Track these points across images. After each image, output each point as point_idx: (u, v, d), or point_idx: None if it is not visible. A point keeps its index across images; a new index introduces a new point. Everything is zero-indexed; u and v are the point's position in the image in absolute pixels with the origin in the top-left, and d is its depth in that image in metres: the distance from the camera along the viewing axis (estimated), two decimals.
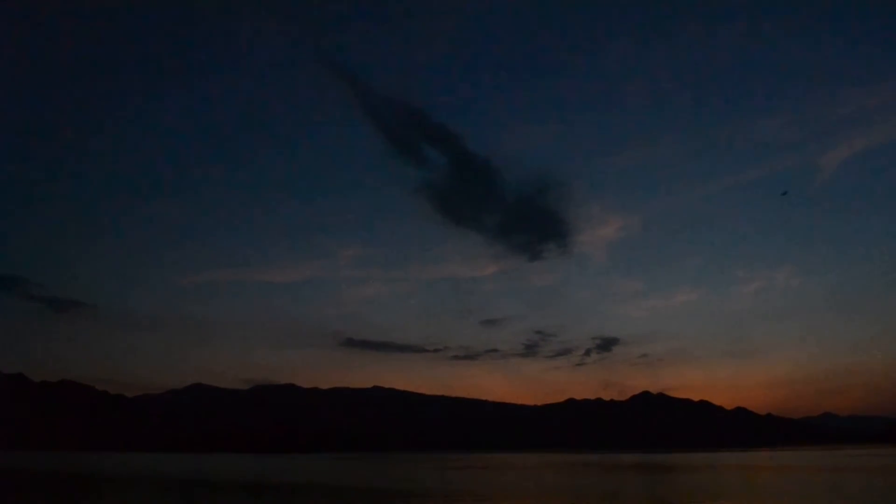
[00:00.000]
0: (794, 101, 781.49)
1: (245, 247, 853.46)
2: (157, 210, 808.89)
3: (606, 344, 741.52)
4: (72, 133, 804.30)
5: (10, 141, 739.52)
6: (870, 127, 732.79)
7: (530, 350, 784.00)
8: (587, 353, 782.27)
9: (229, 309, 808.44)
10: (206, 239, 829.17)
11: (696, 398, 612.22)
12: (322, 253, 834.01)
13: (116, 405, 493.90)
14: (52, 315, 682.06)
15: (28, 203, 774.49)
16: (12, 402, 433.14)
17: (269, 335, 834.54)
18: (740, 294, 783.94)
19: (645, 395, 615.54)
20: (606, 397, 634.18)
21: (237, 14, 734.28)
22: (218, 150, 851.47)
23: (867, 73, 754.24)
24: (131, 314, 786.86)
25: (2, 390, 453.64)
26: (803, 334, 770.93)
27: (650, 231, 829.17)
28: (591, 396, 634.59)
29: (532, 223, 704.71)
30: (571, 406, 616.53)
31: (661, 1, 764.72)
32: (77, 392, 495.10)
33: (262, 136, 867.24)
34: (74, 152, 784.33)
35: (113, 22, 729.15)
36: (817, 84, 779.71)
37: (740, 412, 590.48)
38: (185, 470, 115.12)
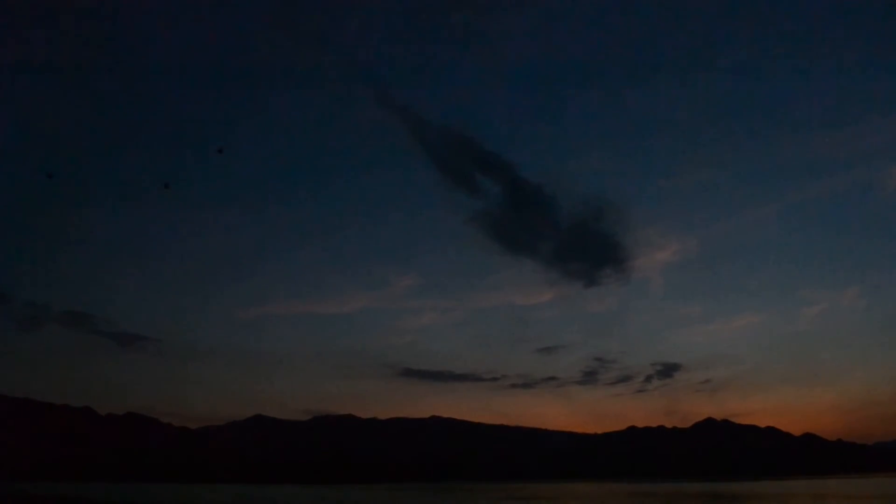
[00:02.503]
0: (854, 117, 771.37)
1: (301, 279, 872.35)
2: (216, 244, 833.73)
3: (667, 370, 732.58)
4: (134, 171, 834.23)
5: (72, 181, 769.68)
6: None
7: (589, 377, 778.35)
8: (648, 379, 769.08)
9: (288, 341, 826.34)
10: (264, 272, 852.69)
11: (762, 424, 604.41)
12: (378, 283, 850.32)
13: (180, 437, 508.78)
14: (118, 349, 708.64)
15: (94, 243, 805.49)
16: (81, 435, 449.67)
17: (328, 366, 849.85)
18: (804, 316, 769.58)
19: (709, 422, 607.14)
20: (669, 424, 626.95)
21: (295, 48, 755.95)
22: (274, 182, 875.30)
23: None
24: (193, 347, 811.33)
25: (70, 423, 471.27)
26: (872, 356, 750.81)
27: (709, 254, 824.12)
28: (653, 424, 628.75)
29: (587, 249, 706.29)
30: (633, 434, 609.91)
31: (712, 23, 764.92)
32: (142, 424, 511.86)
33: (318, 168, 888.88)
34: (135, 189, 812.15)
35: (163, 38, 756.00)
36: (877, 99, 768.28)
37: (809, 438, 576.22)
38: (252, 499, 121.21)
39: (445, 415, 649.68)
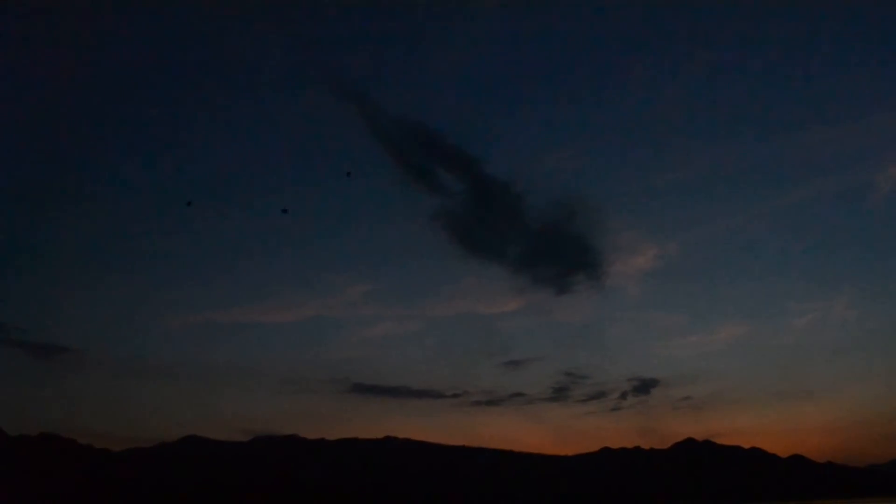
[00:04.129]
0: (846, 115, 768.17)
1: (241, 284, 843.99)
2: (149, 247, 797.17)
3: (644, 386, 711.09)
4: (55, 169, 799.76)
5: None
6: None
7: (560, 394, 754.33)
8: (623, 396, 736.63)
9: (226, 352, 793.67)
10: (200, 277, 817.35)
11: (746, 445, 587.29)
12: (328, 289, 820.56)
13: (102, 460, 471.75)
14: (31, 361, 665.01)
15: (8, 242, 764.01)
16: None
17: (270, 381, 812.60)
18: (792, 327, 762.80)
19: (689, 443, 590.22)
20: (646, 445, 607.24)
21: (237, 34, 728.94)
22: (214, 178, 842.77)
23: None
24: (118, 360, 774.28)
25: None
26: (864, 371, 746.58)
27: (690, 260, 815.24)
28: (629, 444, 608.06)
29: (559, 253, 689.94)
30: (607, 455, 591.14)
31: (695, 18, 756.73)
32: (58, 445, 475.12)
33: (262, 163, 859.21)
34: (58, 188, 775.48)
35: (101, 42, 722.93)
36: (867, 99, 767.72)
37: (796, 460, 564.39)
38: None
39: (401, 435, 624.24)
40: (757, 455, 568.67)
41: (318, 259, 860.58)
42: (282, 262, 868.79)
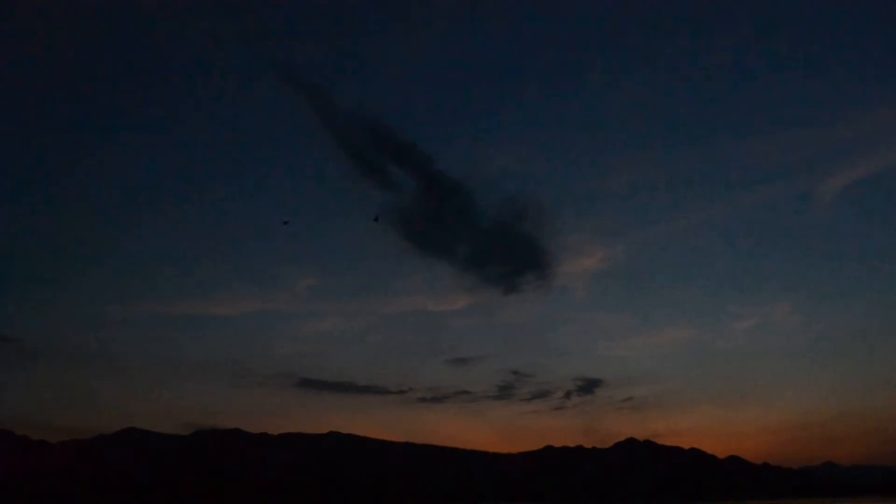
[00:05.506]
0: (791, 124, 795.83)
1: (184, 275, 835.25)
2: (87, 232, 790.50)
3: (588, 386, 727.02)
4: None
5: None
6: (872, 152, 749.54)
7: (505, 392, 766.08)
8: (567, 395, 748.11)
9: (167, 344, 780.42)
10: (143, 265, 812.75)
11: (685, 446, 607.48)
12: (274, 282, 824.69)
13: (38, 452, 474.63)
14: None
15: None
16: None
17: (213, 374, 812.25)
18: (734, 332, 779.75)
19: (630, 443, 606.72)
20: (588, 444, 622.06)
21: (188, 22, 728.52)
22: (160, 170, 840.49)
23: (868, 96, 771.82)
24: (56, 349, 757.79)
25: None
26: (803, 376, 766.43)
27: (636, 263, 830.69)
28: (571, 444, 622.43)
29: (508, 252, 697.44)
30: (549, 454, 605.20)
31: (651, 19, 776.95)
32: None
33: (208, 150, 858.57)
34: None
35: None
36: (815, 107, 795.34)
37: (734, 461, 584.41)
38: None
39: (346, 430, 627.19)
40: (696, 455, 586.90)
41: (266, 252, 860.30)
42: (229, 255, 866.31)
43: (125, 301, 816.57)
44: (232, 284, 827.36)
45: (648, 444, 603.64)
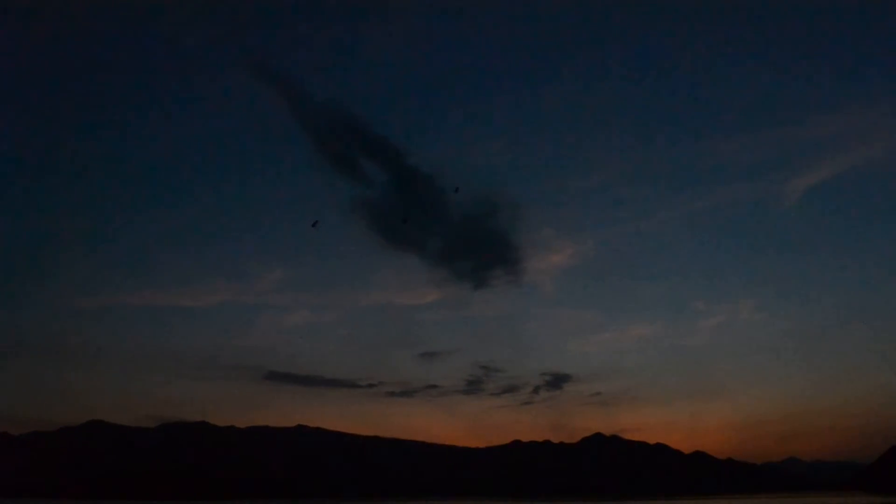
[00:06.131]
0: (759, 125, 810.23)
1: (152, 265, 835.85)
2: (55, 226, 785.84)
3: (557, 381, 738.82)
4: None
5: None
6: (838, 153, 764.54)
7: (473, 387, 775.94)
8: (536, 390, 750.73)
9: (134, 336, 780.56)
10: (109, 256, 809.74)
11: (651, 441, 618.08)
12: (242, 274, 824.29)
13: (2, 444, 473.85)
14: None
15: None
16: None
17: (180, 366, 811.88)
18: (700, 329, 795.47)
19: (597, 437, 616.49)
20: (555, 439, 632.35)
21: (156, 12, 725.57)
22: (127, 160, 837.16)
23: (834, 98, 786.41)
24: (20, 340, 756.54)
25: None
26: (767, 373, 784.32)
27: (605, 259, 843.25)
28: (539, 438, 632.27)
29: (479, 248, 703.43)
30: (517, 448, 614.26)
31: (620, 19, 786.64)
32: None
33: (179, 144, 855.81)
34: None
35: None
36: (783, 108, 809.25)
37: (699, 456, 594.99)
38: None
39: (313, 424, 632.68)
40: (662, 451, 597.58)
41: (235, 244, 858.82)
42: (198, 247, 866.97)
43: (92, 294, 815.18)
44: (201, 277, 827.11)
45: (615, 440, 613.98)
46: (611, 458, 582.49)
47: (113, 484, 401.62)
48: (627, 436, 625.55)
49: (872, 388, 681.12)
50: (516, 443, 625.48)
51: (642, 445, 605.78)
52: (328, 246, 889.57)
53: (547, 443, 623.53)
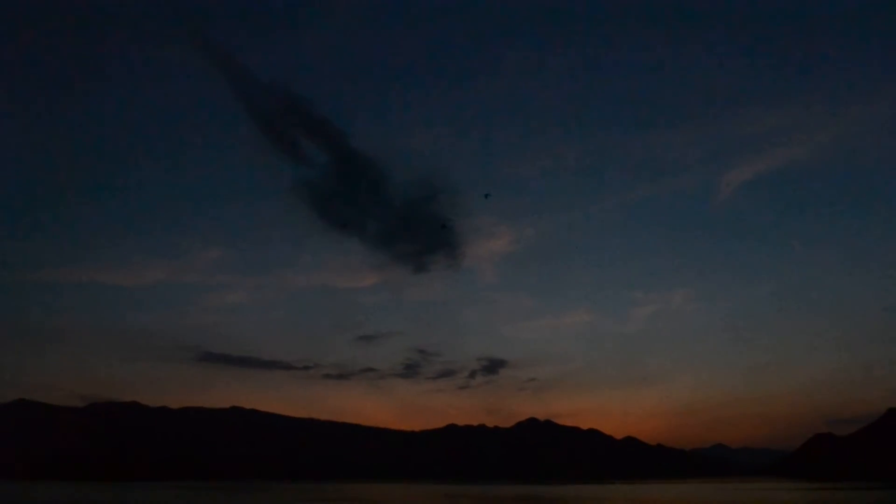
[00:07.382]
0: (696, 119, 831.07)
1: (84, 241, 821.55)
2: None
3: (493, 366, 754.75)
4: None
5: None
6: (772, 148, 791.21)
7: (410, 370, 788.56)
8: (472, 375, 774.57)
9: (63, 313, 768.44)
10: (39, 230, 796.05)
11: (584, 426, 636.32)
12: (178, 253, 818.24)
13: None
14: None
15: None
16: None
17: (111, 345, 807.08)
18: (634, 317, 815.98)
19: (531, 422, 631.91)
20: (490, 423, 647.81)
21: None
22: (65, 132, 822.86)
23: (770, 92, 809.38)
24: None
25: None
26: (697, 362, 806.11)
27: (543, 246, 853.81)
28: (474, 422, 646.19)
29: (419, 232, 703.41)
30: (452, 432, 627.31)
31: (564, 10, 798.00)
32: None
33: (117, 119, 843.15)
34: None
35: None
36: (720, 102, 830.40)
37: (630, 442, 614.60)
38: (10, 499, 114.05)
39: (248, 405, 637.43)
40: (594, 436, 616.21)
41: (172, 222, 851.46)
42: (133, 224, 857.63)
43: (20, 267, 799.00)
44: (136, 254, 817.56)
45: (549, 424, 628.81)
46: (544, 442, 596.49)
47: (39, 464, 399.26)
48: (561, 421, 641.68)
49: (800, 378, 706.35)
50: (452, 426, 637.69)
51: (575, 431, 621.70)
52: (267, 226, 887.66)
53: (482, 427, 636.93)
